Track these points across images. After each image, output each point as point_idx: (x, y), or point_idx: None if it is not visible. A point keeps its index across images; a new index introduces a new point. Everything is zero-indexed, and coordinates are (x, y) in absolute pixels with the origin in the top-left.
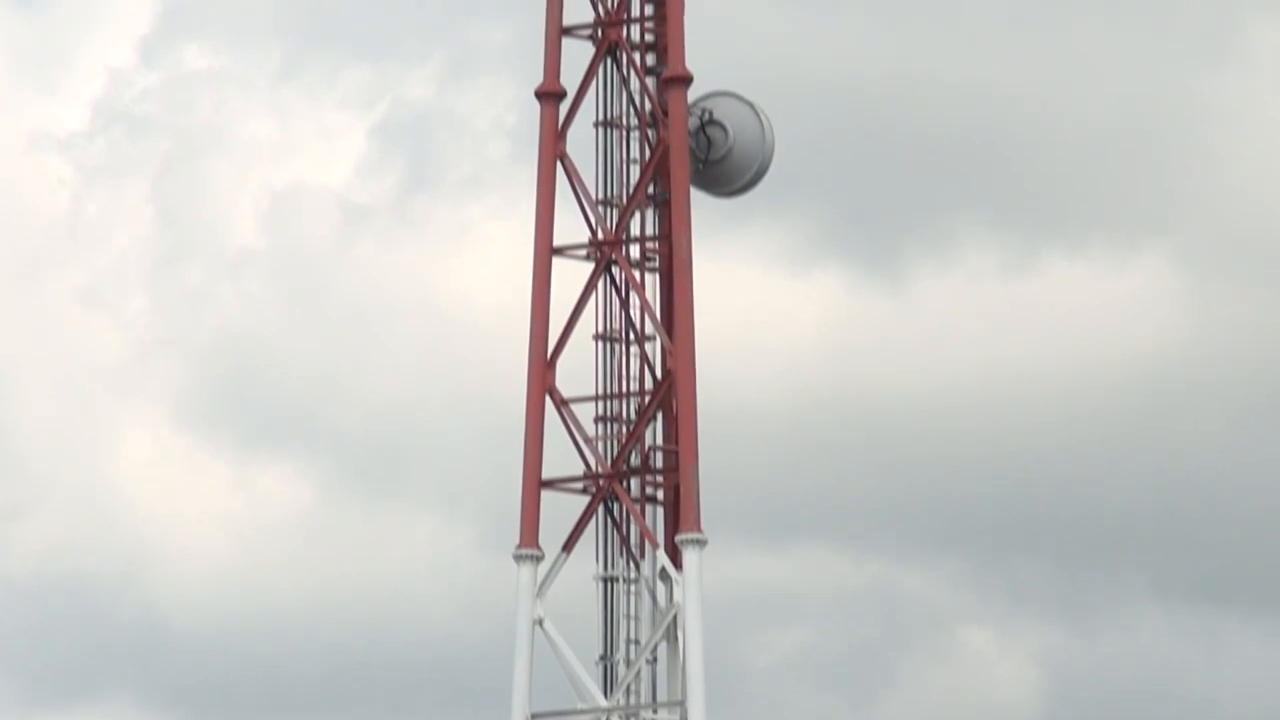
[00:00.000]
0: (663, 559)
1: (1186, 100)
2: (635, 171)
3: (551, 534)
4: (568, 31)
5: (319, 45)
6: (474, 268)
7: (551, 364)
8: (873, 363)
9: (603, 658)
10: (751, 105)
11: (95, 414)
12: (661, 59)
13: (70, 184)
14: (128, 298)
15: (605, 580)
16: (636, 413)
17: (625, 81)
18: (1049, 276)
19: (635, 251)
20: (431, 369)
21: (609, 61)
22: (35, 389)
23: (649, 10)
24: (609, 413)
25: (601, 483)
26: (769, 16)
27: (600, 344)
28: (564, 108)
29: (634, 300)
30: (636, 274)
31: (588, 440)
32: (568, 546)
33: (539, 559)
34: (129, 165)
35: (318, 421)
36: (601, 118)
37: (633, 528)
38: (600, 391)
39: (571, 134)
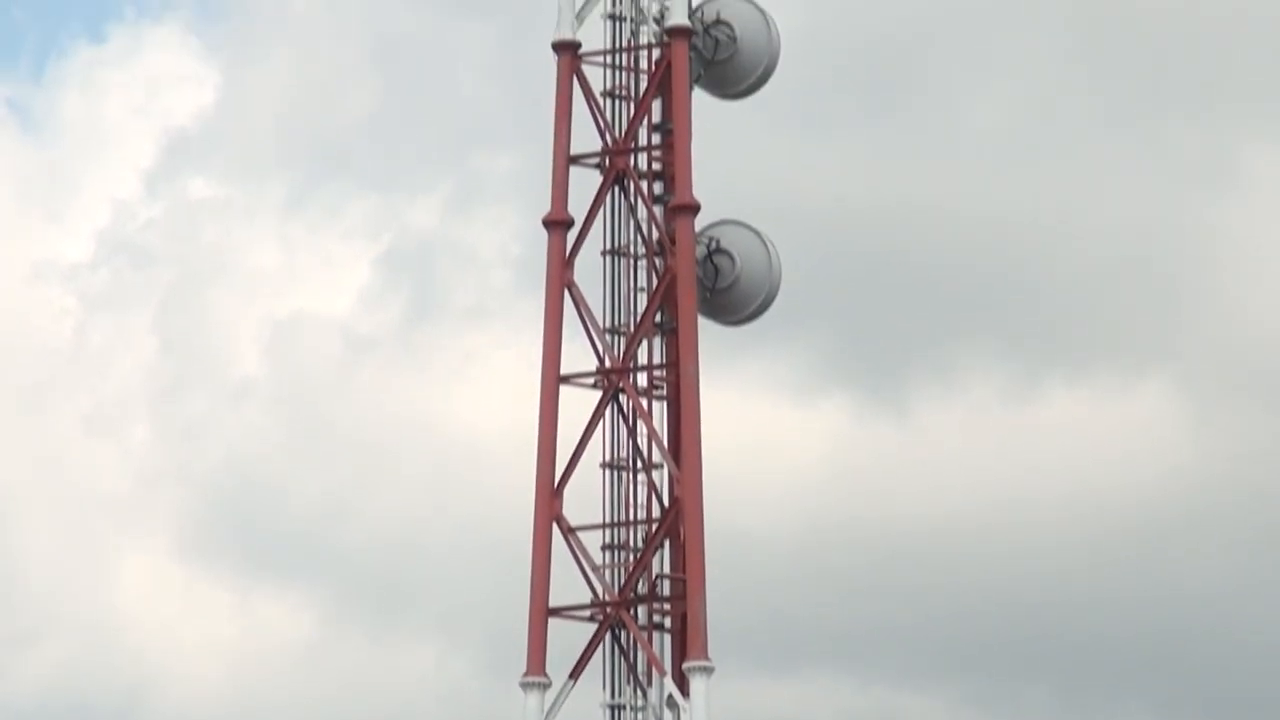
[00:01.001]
0: (670, 686)
1: (1187, 228)
2: (643, 299)
3: (558, 661)
4: (575, 160)
5: (324, 175)
6: (478, 396)
7: (559, 492)
8: (878, 489)
9: None
10: (758, 234)
11: (98, 542)
12: (669, 187)
13: (74, 313)
14: (131, 426)
15: (613, 708)
16: (644, 540)
17: (633, 210)
18: (1052, 404)
19: (643, 379)
20: (435, 497)
21: (616, 190)
22: (38, 516)
23: (656, 139)
24: (616, 540)
25: (609, 610)
26: (775, 145)
27: (608, 472)
28: (571, 236)
29: (641, 428)
30: (644, 402)
31: (595, 568)
32: (575, 674)
33: (546, 686)
34: (132, 294)
35: (320, 550)
36: (609, 246)
37: (640, 655)
38: (607, 519)
39: (579, 262)
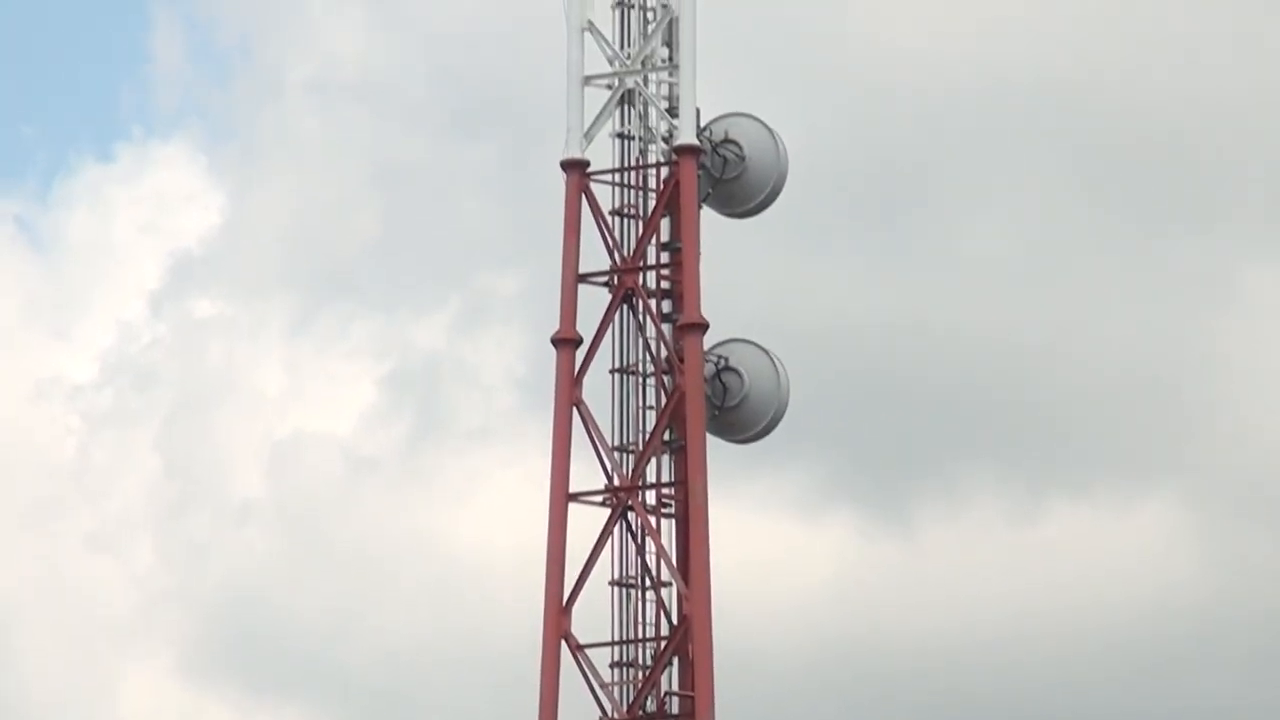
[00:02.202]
0: None
1: (1188, 347)
2: (651, 417)
3: None
4: (584, 278)
5: (328, 296)
6: (483, 515)
7: (567, 609)
8: (884, 607)
9: None
10: (767, 352)
11: (100, 660)
12: (677, 306)
13: (77, 431)
14: (133, 547)
15: None
16: (652, 658)
17: (641, 328)
18: (1055, 521)
19: (651, 497)
20: (440, 614)
21: (625, 308)
22: (40, 634)
23: (664, 257)
24: (625, 658)
25: None
26: (781, 263)
27: (616, 589)
28: (580, 354)
29: (650, 546)
30: (652, 520)
31: (604, 686)
32: None
33: None
34: (136, 414)
35: (323, 669)
36: (617, 364)
37: None
38: (616, 637)
39: (587, 380)
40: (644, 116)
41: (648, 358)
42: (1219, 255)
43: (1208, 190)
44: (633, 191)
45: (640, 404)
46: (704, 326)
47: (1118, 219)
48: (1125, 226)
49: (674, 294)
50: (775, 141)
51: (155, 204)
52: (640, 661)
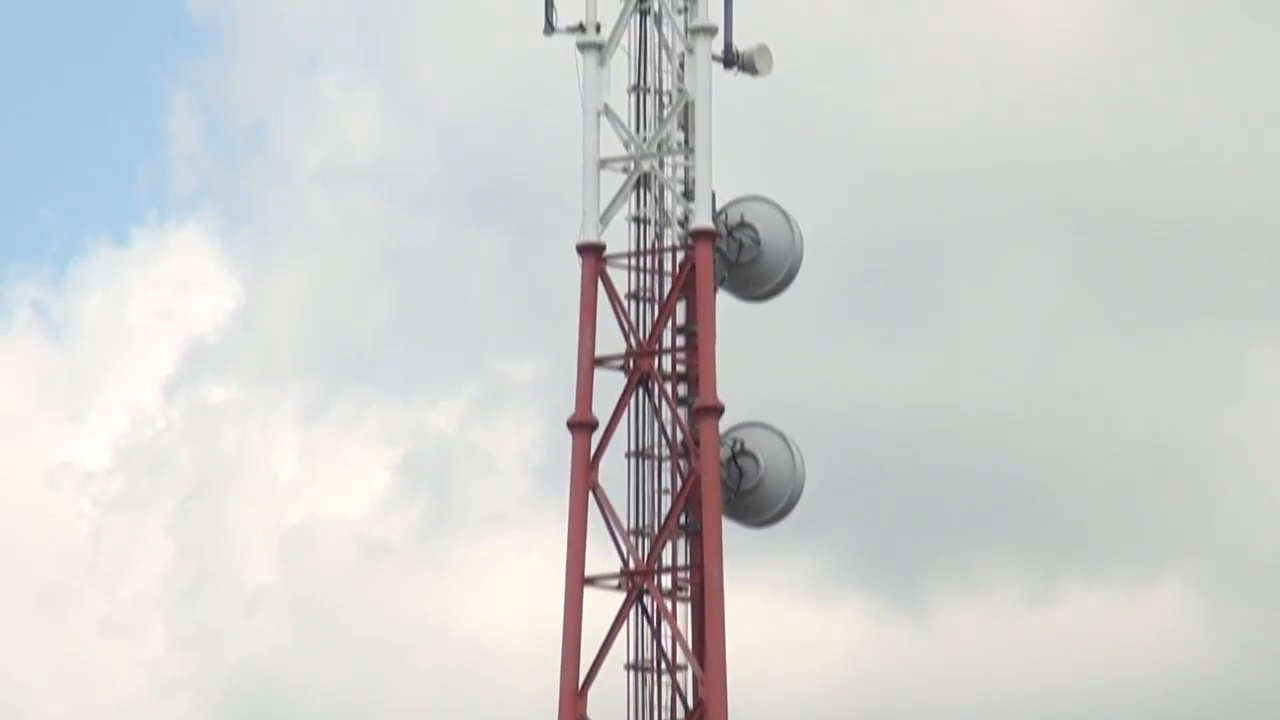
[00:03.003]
0: None
1: (1199, 430)
2: (666, 501)
3: None
4: (600, 362)
5: (342, 381)
6: (497, 599)
7: (583, 693)
8: (899, 690)
9: None
10: (782, 436)
11: None
12: (693, 389)
13: (90, 517)
14: (145, 632)
15: None
16: None
17: (657, 412)
18: (1069, 604)
19: (667, 581)
20: (454, 699)
21: (640, 392)
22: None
23: (680, 341)
24: None
25: None
26: (795, 346)
27: (632, 673)
28: (596, 438)
29: (665, 630)
30: (668, 603)
31: None
32: None
33: None
34: (149, 499)
35: None
36: (633, 448)
37: None
38: None
39: (602, 464)
40: (660, 200)
41: (663, 441)
42: (1228, 337)
43: (1215, 272)
44: (649, 275)
45: (656, 488)
46: (719, 410)
47: (1127, 301)
48: (1134, 309)
49: (690, 378)
50: (790, 226)
51: (170, 288)
52: None
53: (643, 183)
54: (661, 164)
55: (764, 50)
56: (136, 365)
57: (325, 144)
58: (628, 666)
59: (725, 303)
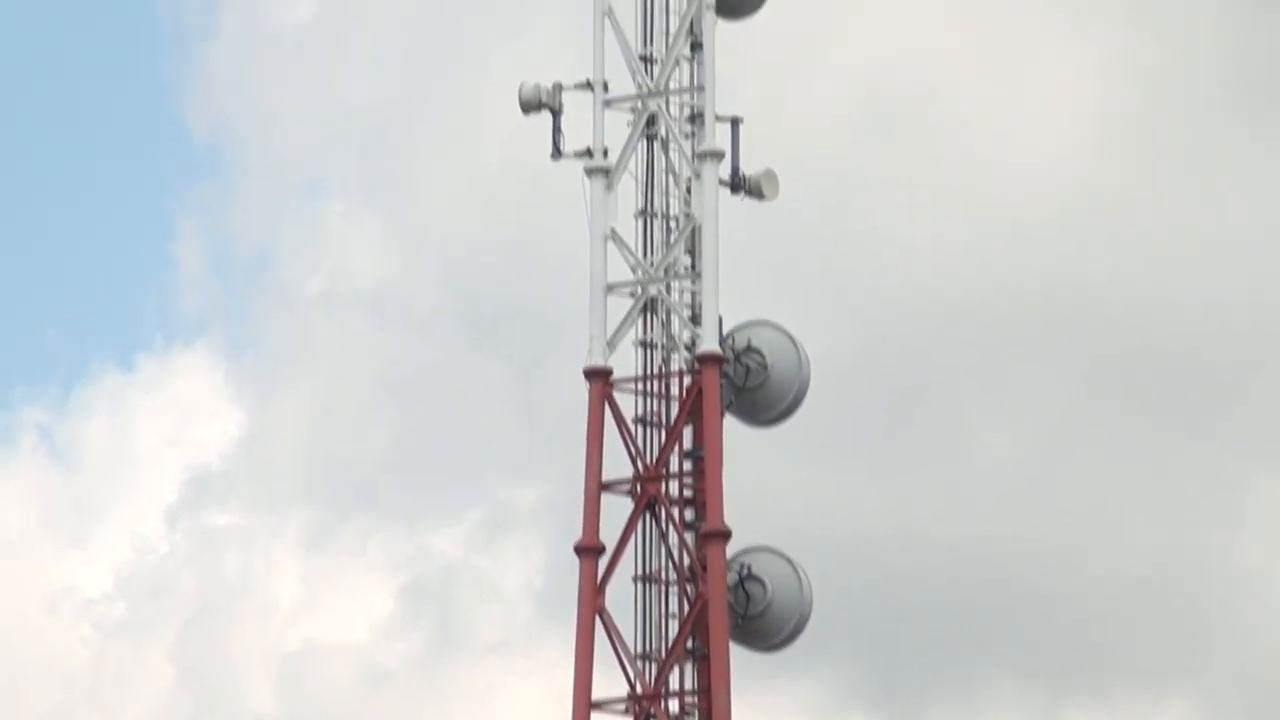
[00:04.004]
0: None
1: (1203, 553)
2: (674, 626)
3: None
4: (607, 487)
5: (346, 508)
6: None
7: None
8: None
9: None
10: (790, 561)
11: None
12: (700, 514)
13: (91, 643)
14: None
15: None
16: None
17: (664, 536)
18: None
19: (674, 706)
20: None
21: (647, 516)
22: None
23: (687, 466)
24: None
25: None
26: (801, 470)
27: None
28: (602, 563)
29: None
30: None
31: None
32: None
33: None
34: (150, 626)
35: None
36: (640, 572)
37: None
38: None
39: (609, 588)
40: (667, 325)
41: (670, 566)
42: (1231, 461)
43: (1219, 397)
44: (656, 400)
45: (663, 612)
46: (727, 535)
47: (1130, 425)
48: (1137, 433)
49: (697, 502)
50: (797, 350)
51: (174, 414)
52: None
53: (650, 307)
54: (669, 288)
55: (771, 175)
56: (140, 491)
57: (328, 270)
58: None
59: (732, 427)
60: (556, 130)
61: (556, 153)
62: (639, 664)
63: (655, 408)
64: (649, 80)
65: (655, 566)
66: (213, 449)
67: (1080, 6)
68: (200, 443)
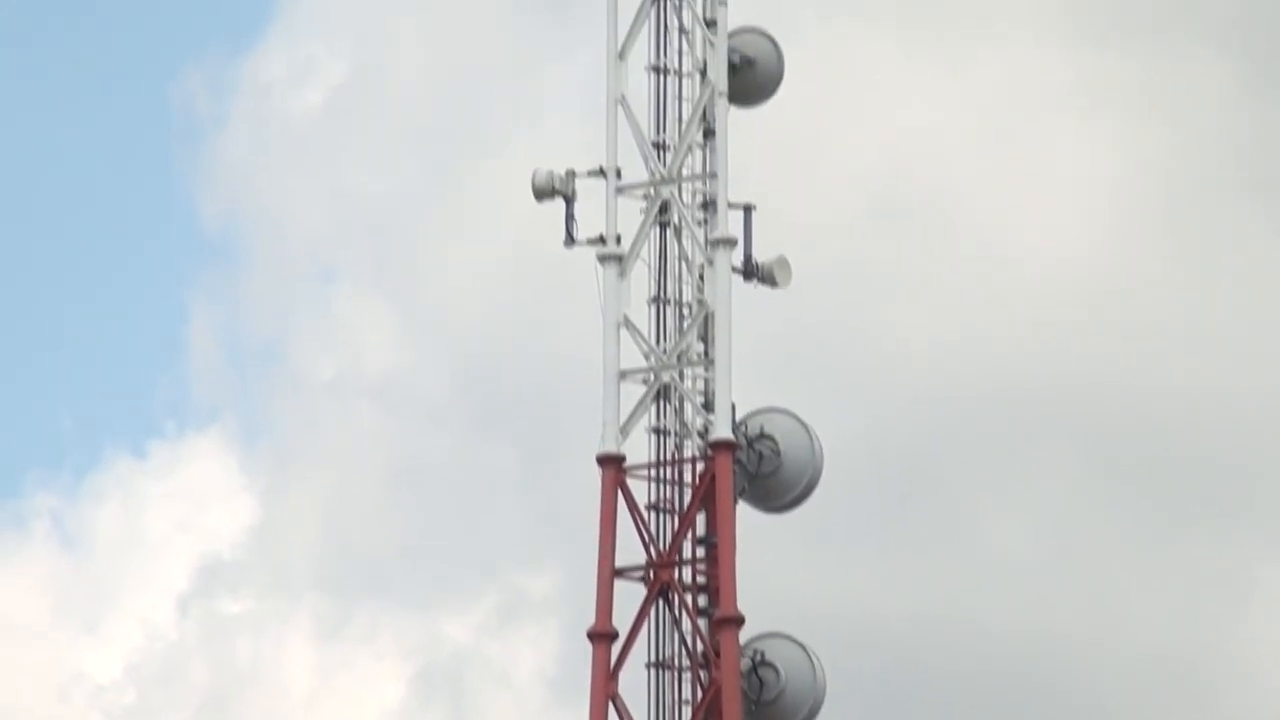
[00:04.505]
0: None
1: (1213, 641)
2: (687, 712)
3: None
4: (619, 573)
5: (358, 595)
6: None
7: None
8: None
9: None
10: (803, 647)
11: None
12: (713, 600)
13: None
14: None
15: None
16: None
17: (677, 622)
18: None
19: None
20: None
21: (660, 602)
22: None
23: (700, 552)
24: None
25: None
26: (812, 556)
27: None
28: (615, 649)
29: None
30: None
31: None
32: None
33: None
34: (160, 713)
35: None
36: (653, 659)
37: None
38: None
39: (622, 675)
40: (680, 411)
41: (684, 652)
42: (1238, 551)
43: (1225, 486)
44: (669, 486)
45: (676, 698)
46: (740, 621)
47: (1138, 513)
48: (1145, 521)
49: (710, 588)
50: (810, 437)
51: (186, 501)
52: None
53: (663, 394)
54: (681, 375)
55: (783, 262)
56: (151, 577)
57: (340, 357)
58: None
59: (745, 513)
60: (570, 217)
61: (570, 240)
62: None
63: (668, 494)
64: (662, 167)
65: (668, 652)
66: (224, 536)
67: (1093, 98)
68: (212, 529)
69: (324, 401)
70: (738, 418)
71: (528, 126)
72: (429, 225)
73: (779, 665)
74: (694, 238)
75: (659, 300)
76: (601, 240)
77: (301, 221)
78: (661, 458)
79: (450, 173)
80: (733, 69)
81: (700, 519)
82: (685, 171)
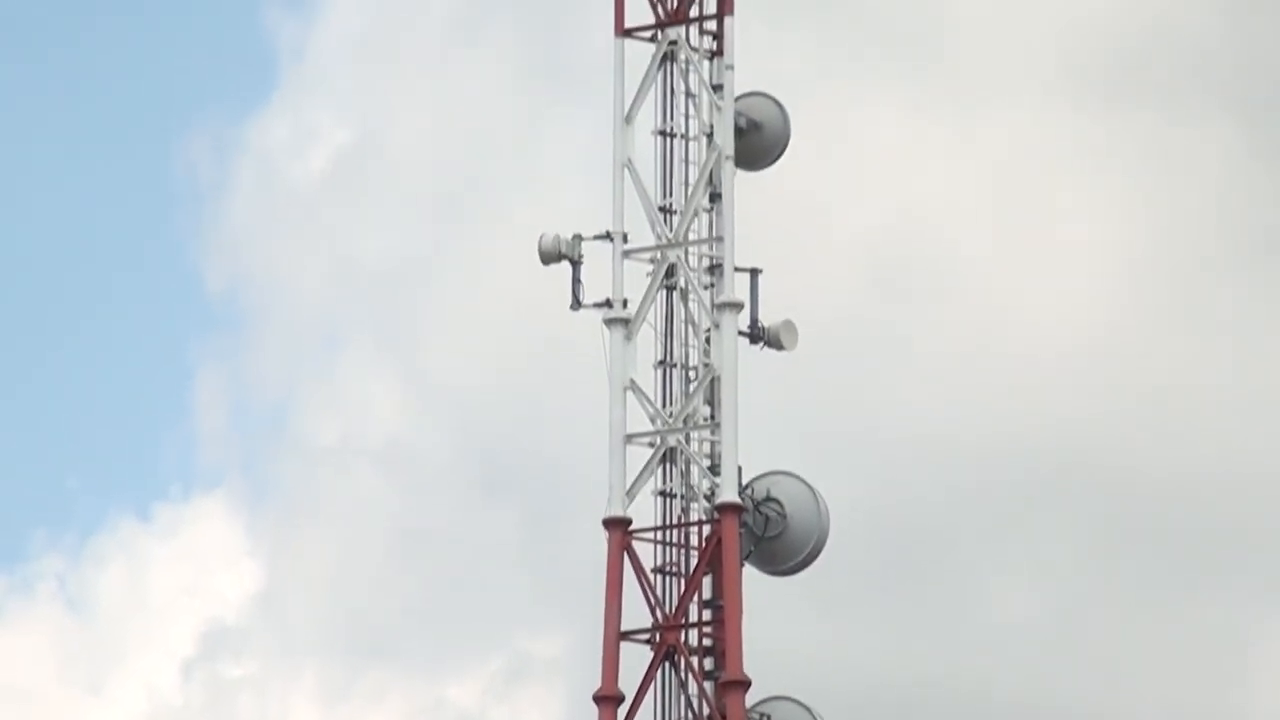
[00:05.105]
0: None
1: (1218, 702)
2: None
3: None
4: (626, 636)
5: (363, 660)
6: None
7: None
8: None
9: None
10: (808, 709)
11: None
12: (719, 663)
13: None
14: None
15: None
16: None
17: (683, 685)
18: None
19: None
20: None
21: (667, 666)
22: None
23: (706, 615)
24: None
25: None
26: (819, 621)
27: None
28: (621, 712)
29: None
30: None
31: None
32: None
33: None
34: None
35: None
36: None
37: None
38: None
39: None
40: (686, 474)
41: (690, 715)
42: (1242, 614)
43: (1226, 550)
44: (675, 549)
45: None
46: (746, 684)
47: (1140, 578)
48: (1147, 585)
49: (716, 651)
50: (816, 501)
51: (191, 564)
52: None
53: (669, 457)
54: (688, 438)
55: (790, 326)
56: (156, 641)
57: (344, 422)
58: None
59: (751, 576)
60: (576, 281)
61: (576, 303)
62: None
63: (674, 557)
64: (668, 231)
65: (675, 716)
66: (229, 599)
67: (1099, 162)
68: (217, 593)
69: (329, 466)
70: (744, 481)
71: (533, 191)
72: (433, 289)
73: None
74: (700, 301)
75: (665, 363)
76: (608, 304)
77: (305, 286)
78: (668, 521)
79: (454, 237)
80: (739, 133)
81: (706, 582)
82: (692, 235)
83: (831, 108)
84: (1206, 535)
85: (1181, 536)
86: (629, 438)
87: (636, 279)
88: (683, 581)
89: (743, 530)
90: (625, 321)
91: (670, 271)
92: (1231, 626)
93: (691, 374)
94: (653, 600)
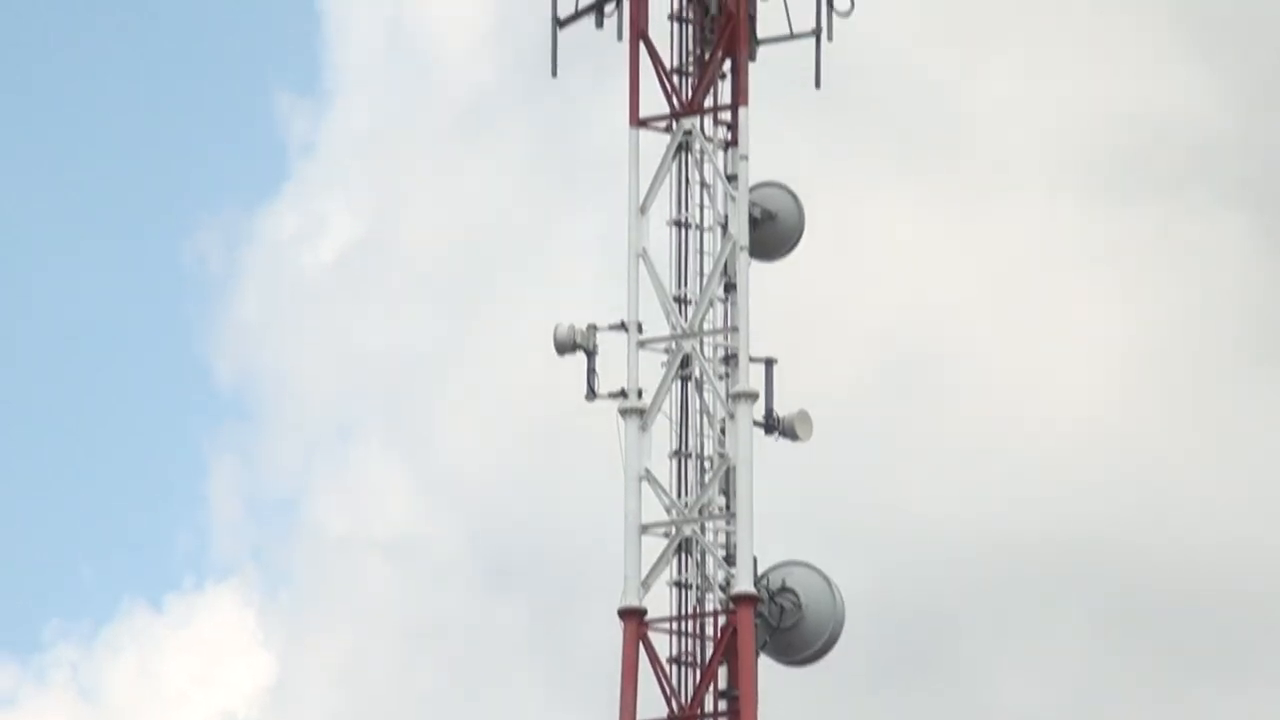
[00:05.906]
0: None
1: None
2: None
3: None
4: None
5: None
6: None
7: None
8: None
9: None
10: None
11: None
12: None
13: None
14: None
15: None
16: None
17: None
18: None
19: None
20: None
21: None
22: None
23: (722, 706)
24: None
25: None
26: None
27: None
28: None
29: None
30: None
31: None
32: None
33: None
34: None
35: None
36: None
37: None
38: None
39: None
40: (701, 565)
41: None
42: (1254, 703)
43: (1245, 648)
44: (690, 640)
45: None
46: None
47: (1153, 669)
48: (1160, 676)
49: None
50: (832, 591)
51: (203, 654)
52: None
53: (684, 547)
54: (703, 529)
55: (805, 416)
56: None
57: (356, 514)
58: None
59: (767, 667)
60: (591, 371)
61: (591, 394)
62: None
63: (690, 647)
64: (683, 321)
65: None
66: (241, 690)
67: (1109, 255)
68: (229, 684)
69: (341, 558)
70: (759, 571)
71: (547, 281)
72: (448, 380)
73: None
74: (715, 391)
75: (680, 454)
76: (623, 394)
77: (316, 378)
78: (683, 611)
79: (468, 328)
80: (754, 223)
81: (722, 672)
82: (706, 325)
83: (844, 198)
84: (1221, 626)
85: (1196, 627)
86: (644, 528)
87: (652, 369)
88: (698, 672)
89: (758, 621)
90: (640, 412)
91: (685, 362)
92: (1244, 712)
93: (707, 464)
94: (668, 690)
